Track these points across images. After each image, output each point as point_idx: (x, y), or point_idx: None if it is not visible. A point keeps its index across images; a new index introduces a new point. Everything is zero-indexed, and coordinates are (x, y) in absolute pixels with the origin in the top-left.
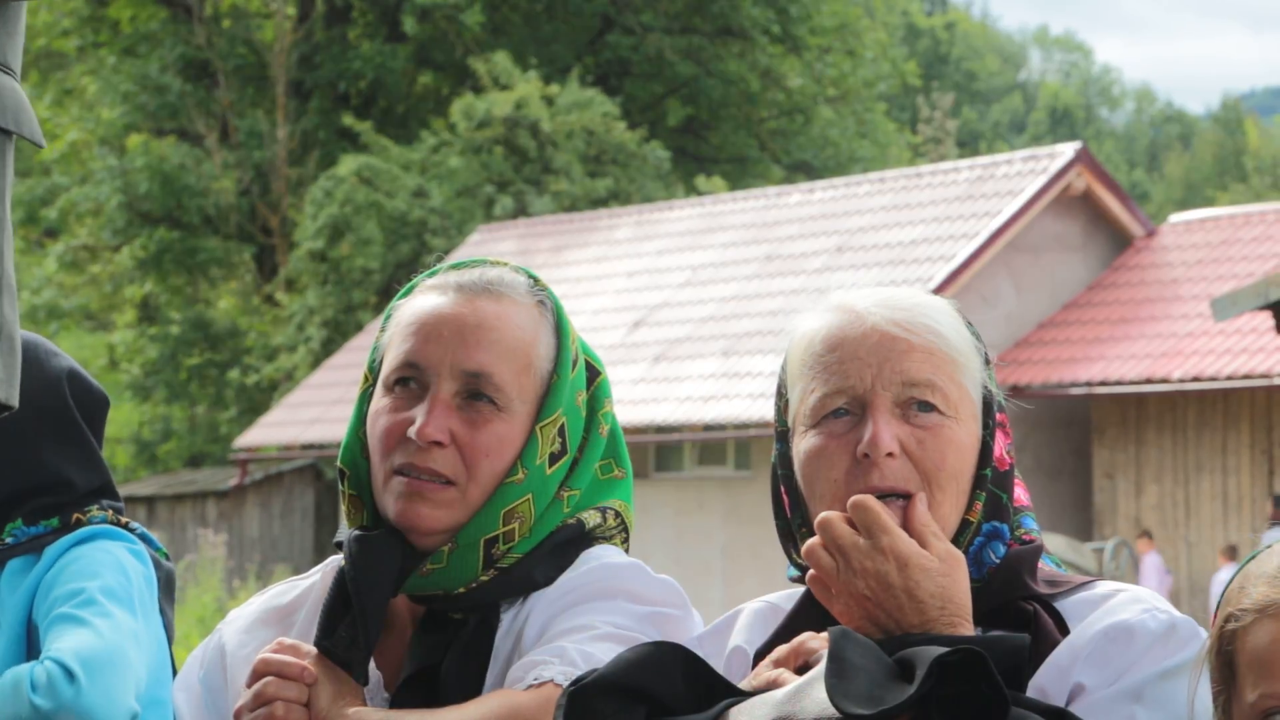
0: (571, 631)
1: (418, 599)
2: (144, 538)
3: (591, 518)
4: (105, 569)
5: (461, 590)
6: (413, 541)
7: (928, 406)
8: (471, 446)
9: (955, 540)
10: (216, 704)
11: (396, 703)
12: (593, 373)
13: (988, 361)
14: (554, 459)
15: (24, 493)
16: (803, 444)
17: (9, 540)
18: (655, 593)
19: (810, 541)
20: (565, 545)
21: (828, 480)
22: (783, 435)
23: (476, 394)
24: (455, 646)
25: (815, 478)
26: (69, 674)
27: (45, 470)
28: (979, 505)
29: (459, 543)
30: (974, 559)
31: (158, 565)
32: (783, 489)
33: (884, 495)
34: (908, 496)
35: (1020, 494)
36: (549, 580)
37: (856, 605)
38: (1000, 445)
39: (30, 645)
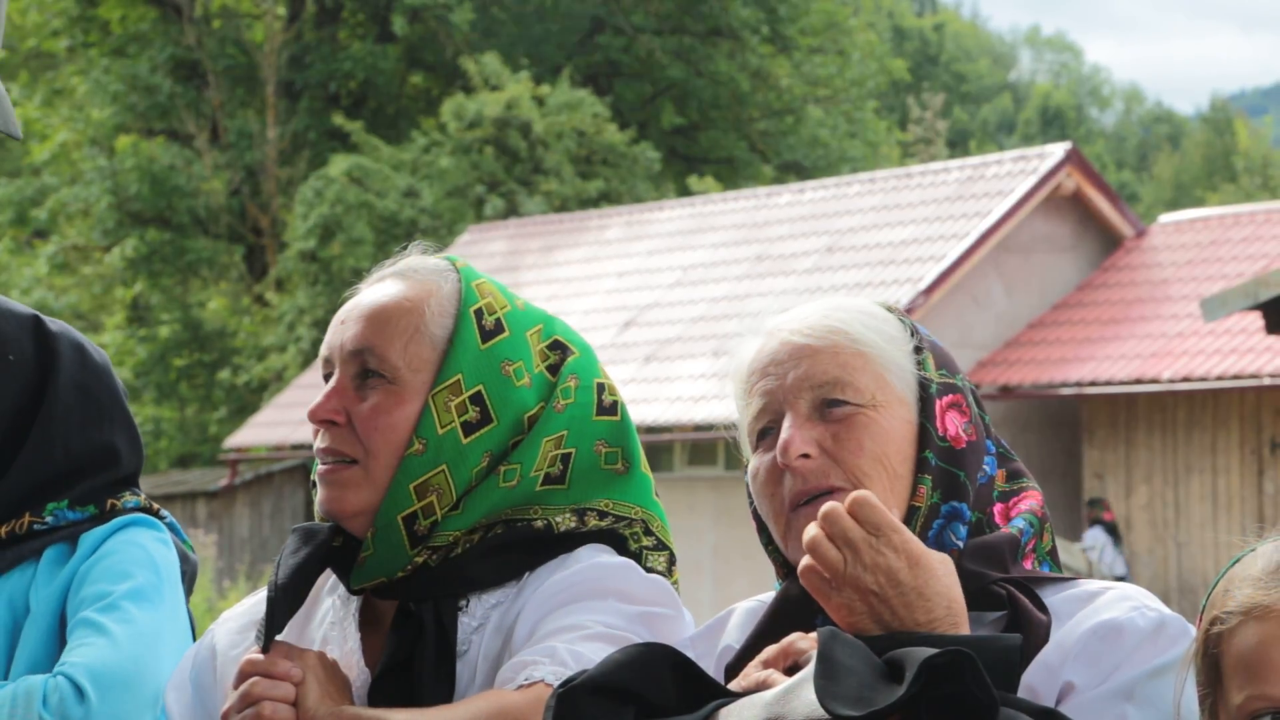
0: (562, 631)
1: (383, 594)
2: (172, 528)
3: (565, 522)
4: (137, 567)
5: (401, 574)
6: (347, 529)
7: (839, 403)
8: (361, 421)
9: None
10: (205, 703)
11: (373, 698)
12: (564, 351)
13: (919, 349)
14: (471, 428)
15: (82, 469)
16: (749, 469)
17: (49, 520)
18: (646, 592)
19: (814, 534)
20: (519, 547)
21: (767, 498)
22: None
23: (366, 370)
24: (421, 642)
25: (760, 498)
26: (80, 693)
27: (106, 449)
28: (923, 489)
29: (377, 525)
30: (934, 543)
31: (184, 559)
32: (754, 516)
33: (812, 498)
34: (832, 492)
35: (1027, 503)
36: (494, 582)
37: (861, 600)
38: (954, 425)
39: (63, 637)
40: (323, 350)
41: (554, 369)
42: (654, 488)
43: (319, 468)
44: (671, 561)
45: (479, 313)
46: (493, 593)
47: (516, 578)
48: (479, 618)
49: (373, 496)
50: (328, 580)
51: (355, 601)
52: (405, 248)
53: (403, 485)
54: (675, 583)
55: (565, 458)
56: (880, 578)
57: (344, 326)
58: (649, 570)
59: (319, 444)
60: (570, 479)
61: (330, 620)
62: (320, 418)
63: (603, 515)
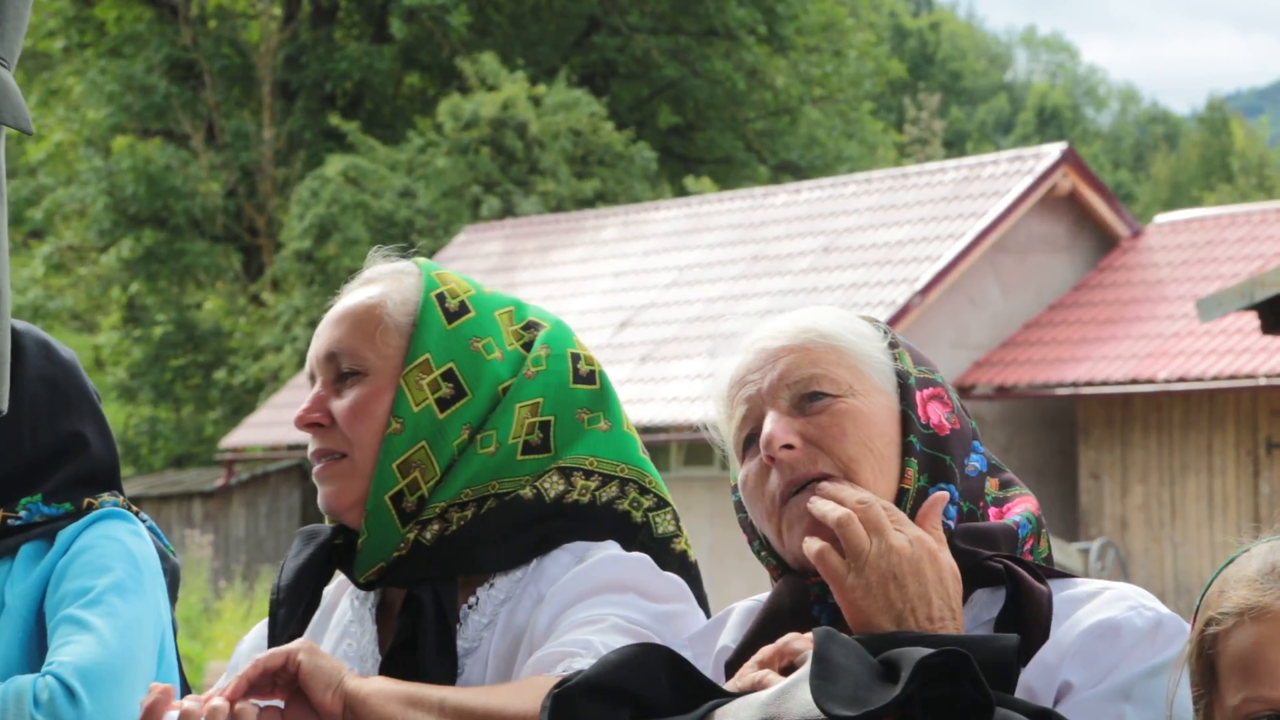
0: (587, 624)
1: (388, 581)
2: (152, 530)
3: (554, 486)
4: (115, 560)
5: (398, 554)
6: (347, 524)
7: (817, 395)
8: (342, 415)
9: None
10: None
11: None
12: (536, 329)
13: (893, 344)
14: (446, 403)
15: (51, 459)
16: (739, 478)
17: (23, 515)
18: (665, 590)
19: (843, 513)
20: (523, 528)
21: (759, 499)
22: (735, 488)
23: (341, 370)
24: (422, 621)
25: (753, 503)
26: (70, 693)
27: (74, 437)
28: (910, 472)
29: (367, 509)
30: None
31: (163, 558)
32: (743, 528)
33: (800, 486)
34: (821, 479)
35: (1022, 506)
36: (500, 566)
37: (879, 585)
38: (936, 414)
39: (39, 634)
40: (306, 364)
41: (528, 346)
42: (640, 447)
43: (314, 469)
44: (677, 518)
45: (441, 297)
46: (500, 585)
47: (524, 563)
48: (489, 614)
49: (365, 485)
50: (347, 587)
51: (372, 597)
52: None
53: (386, 465)
54: (685, 540)
55: (545, 425)
56: (904, 564)
57: (318, 337)
58: (662, 534)
59: (311, 447)
60: (554, 446)
61: (350, 619)
62: (306, 422)
63: (589, 474)
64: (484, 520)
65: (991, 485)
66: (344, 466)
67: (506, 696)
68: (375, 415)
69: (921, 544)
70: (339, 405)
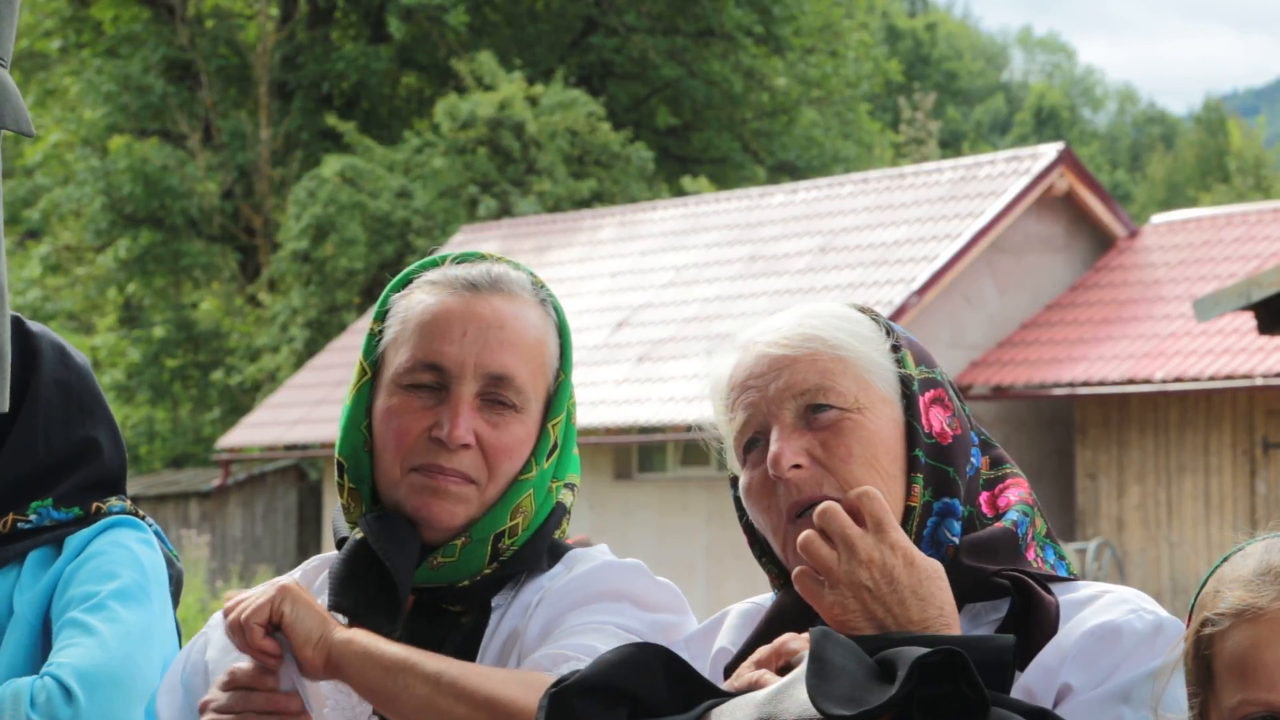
0: (584, 630)
1: (414, 589)
2: (157, 534)
3: (566, 496)
4: (123, 567)
5: (465, 583)
6: (423, 535)
7: (823, 407)
8: (495, 448)
9: (903, 527)
10: (193, 706)
11: None
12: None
13: (896, 348)
14: (549, 453)
15: (64, 464)
16: (741, 483)
17: (33, 519)
18: (658, 597)
19: (808, 533)
20: (547, 528)
21: (762, 511)
22: (734, 481)
23: (498, 396)
24: (452, 640)
25: (755, 512)
26: (67, 693)
27: (87, 443)
28: (917, 488)
29: (472, 537)
30: (930, 540)
31: (169, 563)
32: (744, 529)
33: (807, 508)
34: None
35: (1016, 493)
36: (536, 564)
37: (854, 597)
38: (938, 420)
39: (46, 641)
40: (425, 356)
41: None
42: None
43: (426, 476)
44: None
45: (570, 345)
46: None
47: (539, 561)
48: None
49: (476, 514)
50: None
51: None
52: (495, 260)
53: (506, 506)
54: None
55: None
56: (876, 573)
57: (465, 343)
58: None
59: (435, 460)
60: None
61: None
62: (463, 443)
63: (572, 488)
64: (525, 552)
65: (983, 466)
66: (468, 492)
67: (508, 683)
68: (521, 457)
69: (899, 549)
70: (491, 435)
